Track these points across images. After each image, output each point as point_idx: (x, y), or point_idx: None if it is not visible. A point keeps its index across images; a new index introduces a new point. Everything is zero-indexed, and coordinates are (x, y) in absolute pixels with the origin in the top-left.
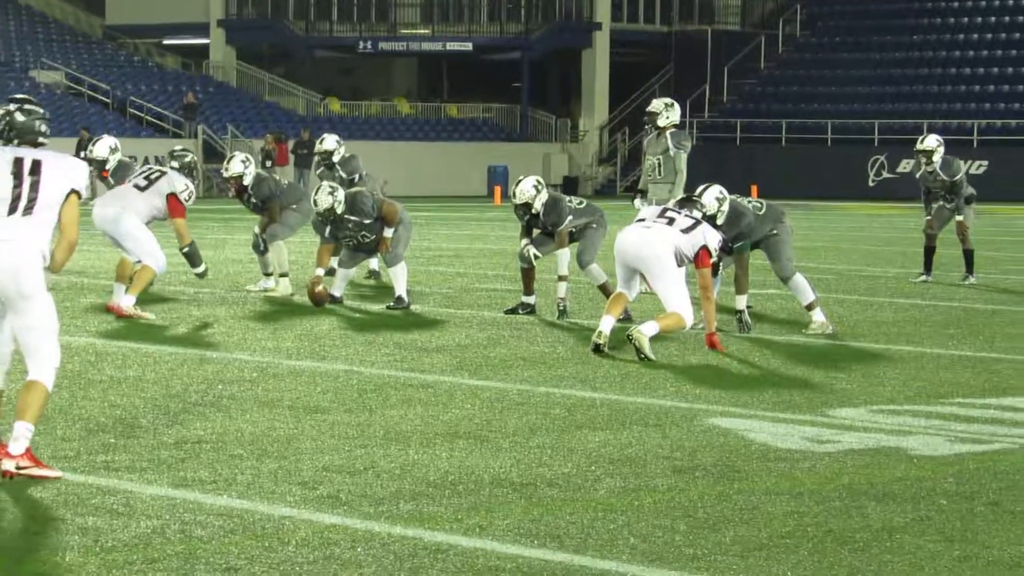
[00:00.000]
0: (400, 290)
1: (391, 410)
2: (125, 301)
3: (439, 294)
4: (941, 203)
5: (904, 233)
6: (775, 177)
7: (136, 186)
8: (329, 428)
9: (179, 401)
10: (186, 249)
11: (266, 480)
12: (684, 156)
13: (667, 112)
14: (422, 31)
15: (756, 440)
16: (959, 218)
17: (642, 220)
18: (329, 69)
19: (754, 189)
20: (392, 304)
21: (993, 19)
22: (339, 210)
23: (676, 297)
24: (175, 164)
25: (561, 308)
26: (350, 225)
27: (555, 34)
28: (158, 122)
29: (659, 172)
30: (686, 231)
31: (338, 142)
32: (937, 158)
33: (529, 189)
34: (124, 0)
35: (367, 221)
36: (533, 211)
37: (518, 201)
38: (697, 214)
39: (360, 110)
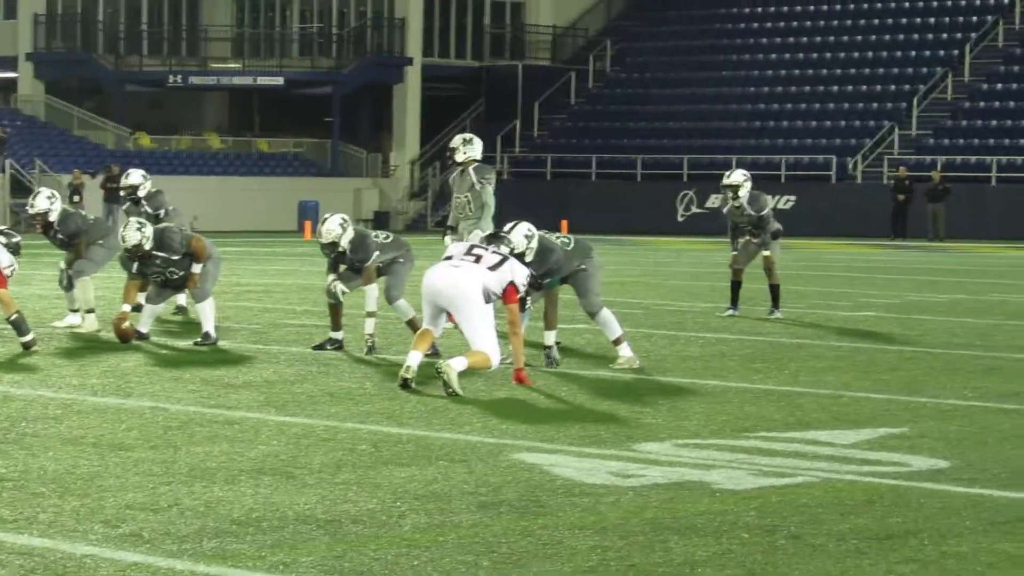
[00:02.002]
0: (207, 326)
1: (196, 447)
2: None
3: (247, 330)
4: (748, 238)
5: (712, 268)
6: (585, 212)
7: None
8: (133, 465)
9: None
10: (13, 317)
11: (68, 518)
12: (489, 189)
13: (464, 148)
14: (233, 65)
15: (561, 475)
16: (766, 253)
17: (449, 258)
18: (139, 103)
19: (564, 224)
20: (199, 340)
21: (801, 56)
22: (147, 246)
23: (483, 336)
24: (2, 240)
25: (369, 344)
26: (158, 261)
27: (366, 69)
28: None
29: (469, 209)
30: (493, 268)
31: (144, 177)
32: (744, 193)
33: (335, 227)
34: None
35: (175, 257)
36: (340, 249)
37: (324, 240)
38: (505, 250)
39: (170, 144)
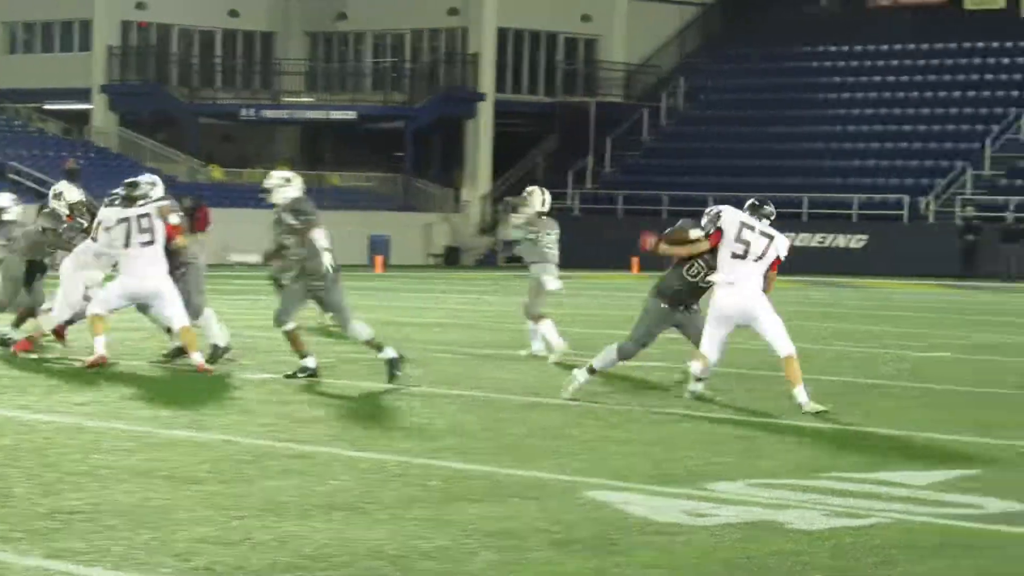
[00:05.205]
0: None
1: (268, 481)
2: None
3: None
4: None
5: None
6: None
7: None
8: (205, 499)
9: (54, 471)
10: None
11: (140, 551)
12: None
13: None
14: (305, 99)
15: (634, 513)
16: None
17: (731, 283)
18: (211, 136)
19: (635, 261)
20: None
21: (874, 95)
22: None
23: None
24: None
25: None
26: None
27: (439, 104)
28: (38, 188)
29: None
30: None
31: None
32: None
33: None
34: (5, 64)
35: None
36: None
37: None
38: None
39: (242, 177)
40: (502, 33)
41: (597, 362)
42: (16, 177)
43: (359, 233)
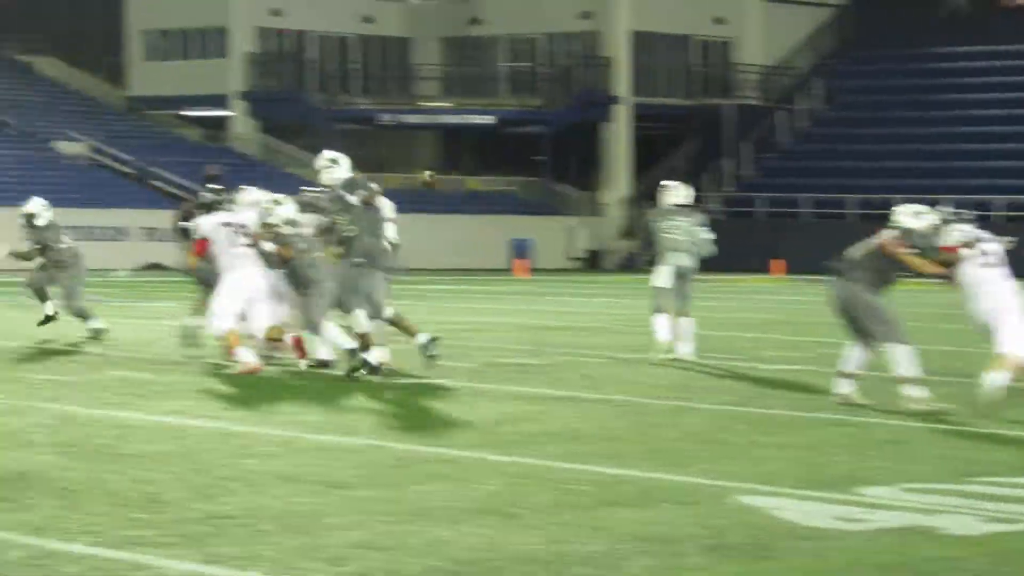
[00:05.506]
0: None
1: (417, 485)
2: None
3: (463, 368)
4: None
5: (932, 309)
6: (798, 251)
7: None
8: (355, 503)
9: (205, 475)
10: None
11: (293, 556)
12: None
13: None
14: (443, 104)
15: (786, 518)
16: None
17: (983, 292)
18: (350, 141)
19: (779, 265)
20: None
21: (1011, 95)
22: None
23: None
24: None
25: None
26: None
27: (575, 108)
28: (180, 193)
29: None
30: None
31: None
32: None
33: None
34: (143, 72)
35: None
36: None
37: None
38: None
39: (381, 182)
40: (635, 36)
41: (848, 365)
42: (158, 183)
43: (498, 238)
